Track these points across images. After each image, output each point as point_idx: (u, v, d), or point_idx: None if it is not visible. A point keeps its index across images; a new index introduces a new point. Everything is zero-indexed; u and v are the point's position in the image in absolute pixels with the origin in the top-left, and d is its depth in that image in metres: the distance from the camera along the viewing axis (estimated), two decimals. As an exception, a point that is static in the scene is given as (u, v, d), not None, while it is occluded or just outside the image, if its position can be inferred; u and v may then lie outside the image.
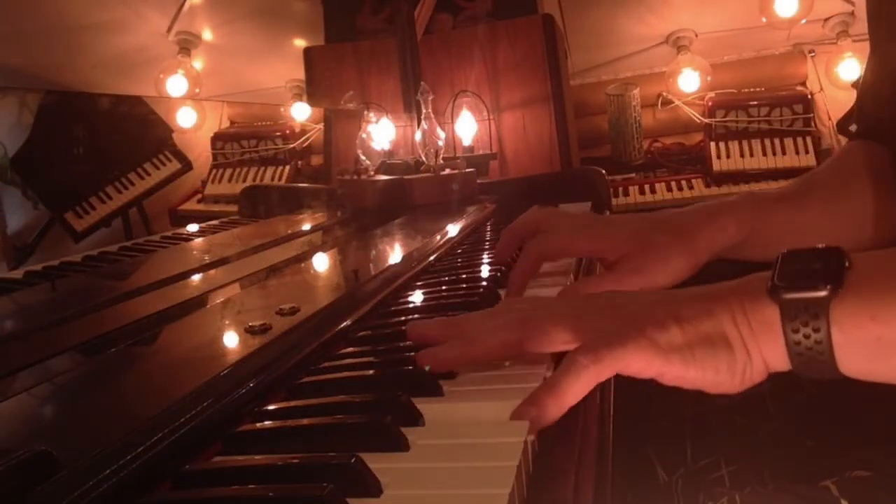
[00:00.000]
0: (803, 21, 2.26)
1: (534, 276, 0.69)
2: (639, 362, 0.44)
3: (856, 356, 0.42)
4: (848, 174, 0.73)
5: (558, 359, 0.54)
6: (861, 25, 2.29)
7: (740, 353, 0.44)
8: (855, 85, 2.10)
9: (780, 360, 0.43)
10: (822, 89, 2.40)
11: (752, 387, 0.46)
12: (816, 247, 0.44)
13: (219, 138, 1.61)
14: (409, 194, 1.35)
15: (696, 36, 2.47)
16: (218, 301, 0.71)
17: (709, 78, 2.43)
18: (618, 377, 0.46)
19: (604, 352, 0.44)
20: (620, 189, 2.38)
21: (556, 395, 0.43)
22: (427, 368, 0.50)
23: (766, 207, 0.69)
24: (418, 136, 1.43)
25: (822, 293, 0.41)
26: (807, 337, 0.42)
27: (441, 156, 1.40)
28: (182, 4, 1.40)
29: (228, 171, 1.54)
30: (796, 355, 0.42)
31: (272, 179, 1.59)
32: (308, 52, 2.05)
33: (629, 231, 0.66)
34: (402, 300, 0.74)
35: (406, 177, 1.39)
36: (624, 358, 0.44)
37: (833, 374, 0.43)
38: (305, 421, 0.44)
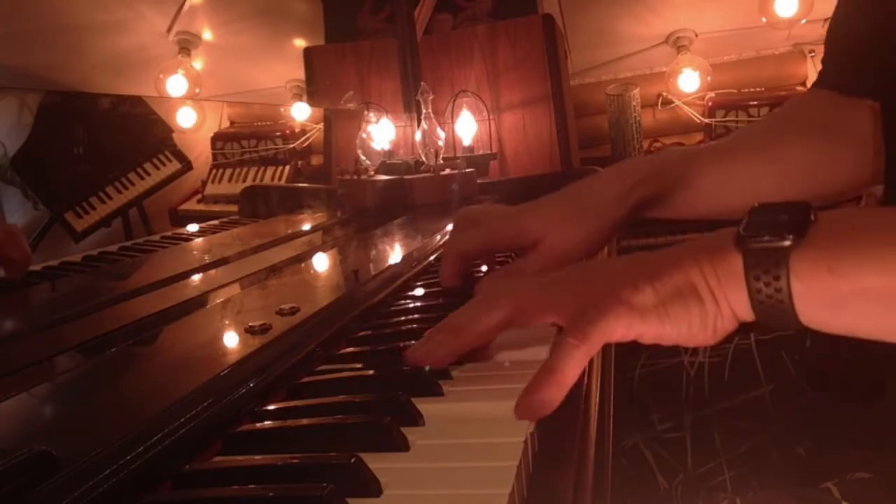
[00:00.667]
0: (803, 21, 2.27)
1: (465, 276, 0.68)
2: (620, 329, 0.45)
3: (814, 307, 0.43)
4: (784, 124, 0.72)
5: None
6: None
7: (710, 304, 0.45)
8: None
9: (745, 310, 0.45)
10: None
11: (753, 390, 0.46)
12: (786, 201, 0.45)
13: (219, 138, 1.61)
14: (409, 194, 1.35)
15: (696, 36, 2.47)
16: (218, 301, 0.71)
17: (709, 78, 2.43)
18: (618, 378, 0.46)
19: (588, 329, 0.45)
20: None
21: (554, 379, 0.44)
22: (427, 369, 0.50)
23: (692, 160, 0.69)
24: (418, 136, 1.43)
25: (784, 243, 0.42)
26: (767, 285, 0.43)
27: (441, 156, 1.40)
28: (182, 4, 1.40)
29: (228, 171, 1.54)
30: (758, 304, 0.44)
31: (272, 179, 1.59)
32: (308, 52, 2.05)
33: (540, 212, 0.67)
34: (402, 300, 0.74)
35: (406, 177, 1.39)
36: (607, 329, 0.45)
37: (795, 325, 0.43)
38: (305, 421, 0.44)
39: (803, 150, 0.68)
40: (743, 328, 0.46)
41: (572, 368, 0.45)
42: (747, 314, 0.45)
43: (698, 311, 0.45)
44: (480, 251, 0.71)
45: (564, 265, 0.58)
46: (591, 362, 0.56)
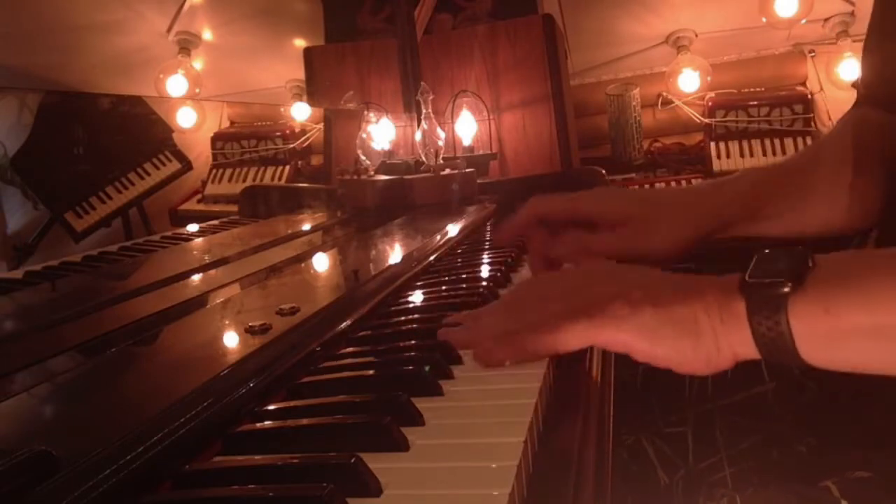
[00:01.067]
0: (803, 21, 2.26)
1: (525, 235, 0.69)
2: (588, 340, 0.50)
3: (813, 345, 0.46)
4: (856, 147, 0.73)
5: (557, 359, 0.54)
6: (861, 25, 2.29)
7: (708, 340, 0.48)
8: (854, 85, 2.10)
9: (748, 350, 0.48)
10: (822, 89, 2.40)
11: (756, 388, 0.47)
12: (788, 247, 0.49)
13: (219, 138, 1.61)
14: (409, 194, 1.35)
15: (696, 36, 2.47)
16: (218, 301, 0.71)
17: (709, 78, 2.43)
18: (620, 374, 0.47)
19: (557, 331, 0.50)
20: (620, 189, 2.38)
21: (514, 349, 0.50)
22: (427, 369, 0.50)
23: (771, 182, 0.69)
24: (418, 136, 1.43)
25: (784, 289, 0.46)
26: (769, 329, 0.46)
27: (441, 156, 1.40)
28: (182, 4, 1.40)
29: (228, 171, 1.54)
30: (762, 345, 0.47)
31: (272, 179, 1.59)
32: (308, 52, 2.05)
33: (635, 197, 0.68)
34: (402, 300, 0.74)
35: (406, 177, 1.39)
36: (570, 338, 0.50)
37: (798, 363, 0.47)
38: (305, 421, 0.44)
39: (878, 174, 0.70)
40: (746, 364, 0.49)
41: (507, 348, 0.50)
42: (750, 353, 0.48)
43: (692, 344, 0.48)
44: (561, 214, 0.72)
45: (629, 259, 0.60)
46: (592, 358, 0.56)
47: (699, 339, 0.48)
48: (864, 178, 0.69)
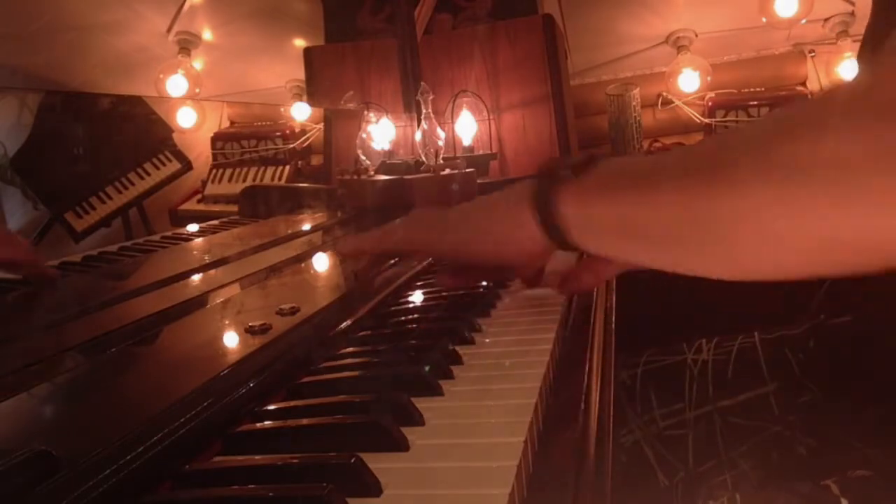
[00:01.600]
0: (803, 21, 2.27)
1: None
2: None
3: (579, 234, 0.51)
4: None
5: (557, 359, 0.54)
6: (861, 25, 2.29)
7: (504, 221, 0.57)
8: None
9: (537, 234, 0.54)
10: (822, 89, 2.40)
11: (756, 389, 0.47)
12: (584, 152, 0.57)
13: (219, 138, 1.61)
14: (409, 194, 1.35)
15: (696, 36, 2.47)
16: (218, 301, 0.71)
17: (709, 78, 2.43)
18: (620, 375, 0.47)
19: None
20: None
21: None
22: (427, 369, 0.50)
23: None
24: (418, 136, 1.43)
25: (563, 180, 0.52)
26: (546, 214, 0.52)
27: (441, 156, 1.40)
28: (182, 4, 1.40)
29: (228, 171, 1.54)
30: (545, 229, 0.53)
31: (272, 179, 1.59)
32: (308, 52, 2.05)
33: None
34: (402, 300, 0.74)
35: (406, 177, 1.39)
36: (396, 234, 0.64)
37: (574, 247, 0.53)
38: (305, 421, 0.44)
39: None
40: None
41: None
42: (541, 238, 0.54)
43: (491, 227, 0.58)
44: None
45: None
46: (592, 359, 0.56)
47: (495, 221, 0.57)
48: None
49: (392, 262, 0.77)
